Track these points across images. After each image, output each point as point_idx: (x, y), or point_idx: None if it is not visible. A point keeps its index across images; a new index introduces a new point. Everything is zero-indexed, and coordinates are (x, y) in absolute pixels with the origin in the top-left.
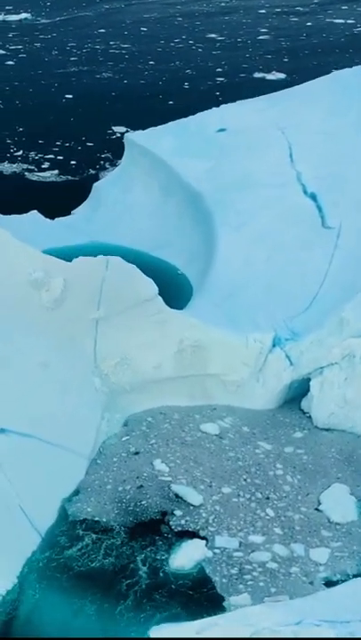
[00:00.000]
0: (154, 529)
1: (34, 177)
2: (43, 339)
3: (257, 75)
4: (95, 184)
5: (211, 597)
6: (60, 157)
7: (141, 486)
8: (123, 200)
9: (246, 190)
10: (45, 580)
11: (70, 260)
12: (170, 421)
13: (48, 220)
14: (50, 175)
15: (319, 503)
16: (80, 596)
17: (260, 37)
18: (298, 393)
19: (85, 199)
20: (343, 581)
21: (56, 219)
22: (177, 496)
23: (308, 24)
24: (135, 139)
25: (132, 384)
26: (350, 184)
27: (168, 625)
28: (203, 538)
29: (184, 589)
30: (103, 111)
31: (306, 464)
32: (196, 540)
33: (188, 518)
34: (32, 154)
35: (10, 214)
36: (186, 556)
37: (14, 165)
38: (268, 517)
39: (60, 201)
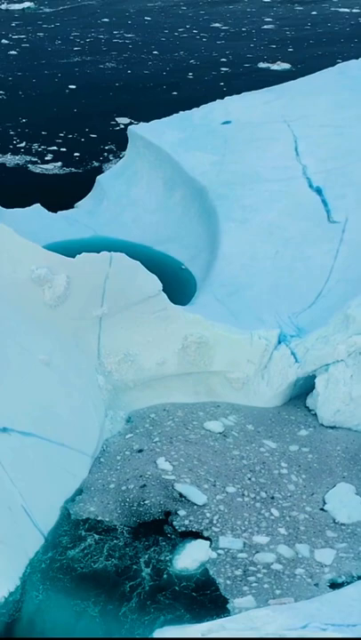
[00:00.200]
0: (157, 529)
1: (37, 169)
2: (45, 336)
3: (262, 65)
4: (98, 177)
5: (215, 599)
6: (64, 149)
7: (145, 485)
8: (126, 193)
9: (251, 184)
10: (48, 580)
11: (73, 255)
12: (173, 418)
13: (51, 213)
14: (53, 167)
15: (324, 503)
16: (83, 597)
17: (265, 27)
18: (303, 390)
19: (89, 192)
20: (348, 583)
21: (59, 212)
22: (181, 495)
23: (313, 13)
24: (139, 131)
25: (136, 381)
26: (356, 178)
27: (172, 628)
28: (207, 538)
29: (188, 591)
30: (107, 102)
31: (311, 463)
32: (200, 541)
33: (191, 518)
34: (35, 145)
35: (13, 207)
36: (190, 557)
37: (17, 157)
38: (272, 517)
39: (63, 194)
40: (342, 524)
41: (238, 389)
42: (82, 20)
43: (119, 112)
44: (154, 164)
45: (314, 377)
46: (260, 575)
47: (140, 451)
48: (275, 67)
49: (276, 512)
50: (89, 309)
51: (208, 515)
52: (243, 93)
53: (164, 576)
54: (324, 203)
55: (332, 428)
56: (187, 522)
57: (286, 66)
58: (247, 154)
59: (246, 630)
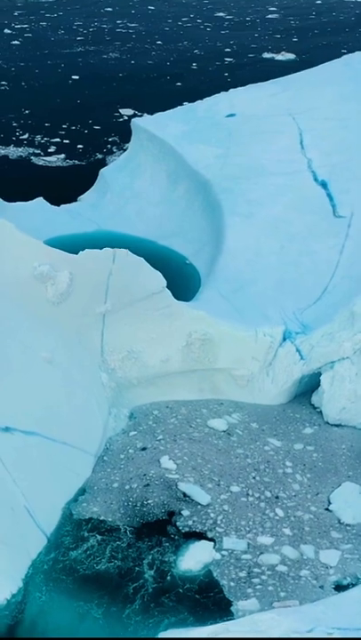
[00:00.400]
0: (160, 529)
1: (40, 161)
2: (48, 333)
3: (266, 55)
4: (102, 170)
5: (218, 602)
6: (67, 141)
7: (148, 485)
8: (130, 186)
9: (256, 178)
10: (51, 582)
11: (76, 250)
12: (177, 416)
13: (54, 206)
14: (56, 160)
15: (329, 503)
16: (86, 599)
17: (269, 16)
18: (308, 388)
19: (92, 184)
20: (354, 585)
21: (62, 205)
22: (184, 495)
23: (318, 2)
24: (142, 124)
25: (140, 378)
26: None
27: (176, 631)
28: (210, 539)
29: (191, 593)
30: (110, 93)
31: (316, 461)
32: (204, 542)
33: (195, 518)
34: (38, 137)
35: (16, 201)
36: (193, 559)
37: (20, 149)
38: (277, 518)
39: (66, 186)
40: (347, 525)
41: (243, 387)
42: (85, 9)
43: (123, 103)
44: (157, 156)
45: (319, 374)
46: (264, 577)
47: (144, 449)
48: (279, 57)
49: (280, 512)
50: (92, 306)
51: (212, 515)
52: (247, 86)
53: (168, 578)
54: (330, 197)
55: (337, 425)
56: (190, 522)
57: (291, 56)
58: (252, 147)
59: (251, 634)
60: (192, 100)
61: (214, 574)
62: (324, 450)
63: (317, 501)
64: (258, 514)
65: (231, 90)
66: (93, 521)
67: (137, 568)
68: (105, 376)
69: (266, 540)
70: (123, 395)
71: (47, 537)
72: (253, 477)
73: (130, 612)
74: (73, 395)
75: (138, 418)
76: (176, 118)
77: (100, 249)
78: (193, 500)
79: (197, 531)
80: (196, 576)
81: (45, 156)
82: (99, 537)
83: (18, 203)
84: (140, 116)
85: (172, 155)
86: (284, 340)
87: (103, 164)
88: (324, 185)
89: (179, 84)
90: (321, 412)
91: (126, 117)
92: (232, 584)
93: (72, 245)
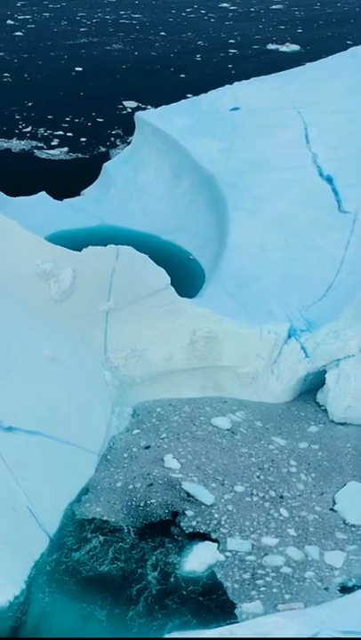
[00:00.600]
0: (164, 530)
1: (43, 155)
2: (51, 332)
3: (271, 46)
4: (105, 164)
5: (222, 604)
6: (70, 134)
7: (152, 484)
8: (133, 181)
9: (261, 173)
10: (54, 583)
11: (80, 245)
12: (180, 414)
13: (57, 201)
14: (59, 153)
15: (334, 503)
16: (89, 601)
17: (274, 7)
18: (313, 385)
19: (95, 178)
20: (359, 587)
21: (65, 200)
22: (188, 495)
23: None
24: (146, 117)
25: (143, 376)
26: None
27: (180, 633)
28: (214, 540)
29: (195, 595)
30: (114, 85)
31: (321, 460)
32: (208, 543)
33: (199, 519)
34: (41, 130)
35: (19, 194)
36: (197, 560)
37: (23, 142)
38: (281, 518)
39: (69, 180)
40: (352, 526)
41: (247, 384)
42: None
43: (126, 95)
44: (161, 150)
45: (324, 372)
46: (268, 579)
47: (148, 447)
48: (284, 48)
49: (285, 512)
50: (95, 304)
51: (216, 515)
52: (252, 79)
53: (171, 579)
54: (335, 192)
55: (342, 424)
56: (194, 523)
57: (296, 47)
58: (256, 141)
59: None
60: (196, 92)
61: (218, 576)
62: (329, 449)
63: (322, 501)
64: (262, 514)
65: (236, 83)
66: (96, 521)
67: (140, 570)
68: (108, 374)
69: (270, 540)
70: (126, 393)
71: (50, 537)
72: (258, 477)
73: (134, 614)
74: (76, 393)
75: (141, 415)
76: (180, 112)
77: (104, 244)
78: (197, 500)
79: (201, 531)
80: (199, 578)
81: (48, 149)
82: (102, 538)
83: (20, 197)
84: (144, 108)
85: (176, 149)
86: (289, 337)
87: (106, 157)
88: (329, 180)
89: (183, 75)
90: (326, 410)
91: (130, 110)
92: (236, 586)
93: (75, 240)
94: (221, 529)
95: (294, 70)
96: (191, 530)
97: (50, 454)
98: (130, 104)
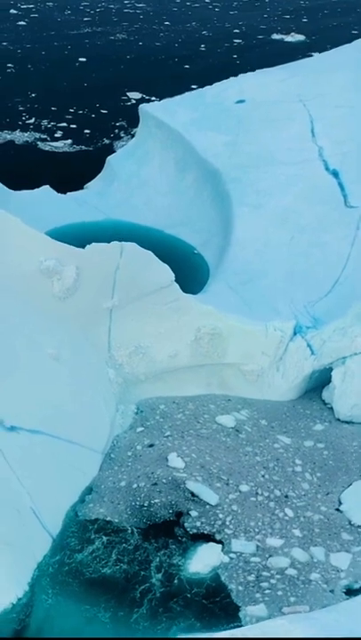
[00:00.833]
0: (168, 531)
1: (46, 147)
2: (54, 329)
3: (275, 36)
4: (109, 158)
5: (226, 607)
6: (74, 126)
7: (156, 484)
8: (137, 174)
9: (266, 167)
10: (57, 585)
11: (83, 240)
12: (184, 411)
13: (60, 195)
14: (63, 145)
15: (340, 503)
16: (93, 603)
17: None
18: (319, 383)
19: (99, 170)
20: None
21: (68, 193)
22: (193, 495)
23: None
24: (150, 110)
25: (148, 374)
26: None
27: (185, 636)
28: (219, 541)
29: (199, 598)
30: (118, 75)
31: (326, 460)
32: (212, 544)
33: (203, 519)
34: (44, 122)
35: (22, 187)
36: (202, 562)
37: (26, 134)
38: (286, 518)
39: (73, 172)
40: (358, 527)
41: (252, 382)
42: None
43: (130, 86)
44: (165, 143)
45: (330, 370)
46: (273, 581)
47: (151, 445)
48: (289, 38)
49: (290, 512)
50: (99, 301)
51: (221, 515)
52: (257, 71)
53: (175, 581)
54: (341, 186)
55: (348, 422)
56: (198, 523)
57: (301, 37)
58: (262, 134)
59: None
60: (201, 84)
61: (222, 578)
62: (334, 447)
63: (328, 501)
64: (267, 514)
65: (240, 75)
66: (100, 522)
67: (144, 571)
68: (112, 372)
69: (275, 541)
70: (130, 390)
71: (53, 538)
72: (263, 476)
73: (137, 616)
74: (79, 392)
75: (145, 412)
76: (184, 104)
77: (107, 239)
78: (201, 500)
79: (205, 532)
80: (203, 580)
81: (52, 141)
82: (105, 539)
83: (24, 191)
84: (148, 99)
85: (181, 142)
86: (295, 334)
87: (110, 149)
88: (335, 174)
89: (187, 66)
90: (332, 408)
91: (134, 101)
92: (240, 588)
93: (79, 235)
94: (226, 530)
95: (299, 62)
96: (195, 530)
97: (53, 454)
98: (134, 95)
